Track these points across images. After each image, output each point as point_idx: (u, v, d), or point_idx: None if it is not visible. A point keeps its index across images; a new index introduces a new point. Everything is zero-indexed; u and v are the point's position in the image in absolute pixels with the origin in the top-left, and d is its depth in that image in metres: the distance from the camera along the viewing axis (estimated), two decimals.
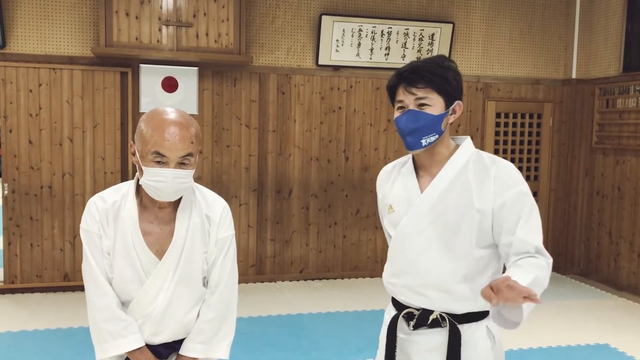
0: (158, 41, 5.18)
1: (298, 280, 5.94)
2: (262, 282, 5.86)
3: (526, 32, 6.33)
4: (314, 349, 4.17)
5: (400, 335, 1.88)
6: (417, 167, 1.89)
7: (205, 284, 1.95)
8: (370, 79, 5.96)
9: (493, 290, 1.48)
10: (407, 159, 1.95)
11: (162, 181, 1.74)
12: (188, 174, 1.78)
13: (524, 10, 6.30)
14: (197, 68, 5.49)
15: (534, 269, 1.65)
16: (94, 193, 5.19)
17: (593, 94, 6.22)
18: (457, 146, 1.86)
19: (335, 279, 6.02)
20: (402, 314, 1.87)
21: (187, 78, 5.48)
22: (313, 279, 5.99)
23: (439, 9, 6.03)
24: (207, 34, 5.27)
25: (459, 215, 1.76)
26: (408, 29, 5.84)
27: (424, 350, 1.83)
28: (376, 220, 6.09)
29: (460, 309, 1.79)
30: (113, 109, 5.34)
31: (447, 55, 5.95)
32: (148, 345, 1.89)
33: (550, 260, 1.71)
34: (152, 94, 5.37)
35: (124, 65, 5.34)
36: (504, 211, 1.73)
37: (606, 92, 6.06)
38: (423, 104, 1.76)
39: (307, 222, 5.95)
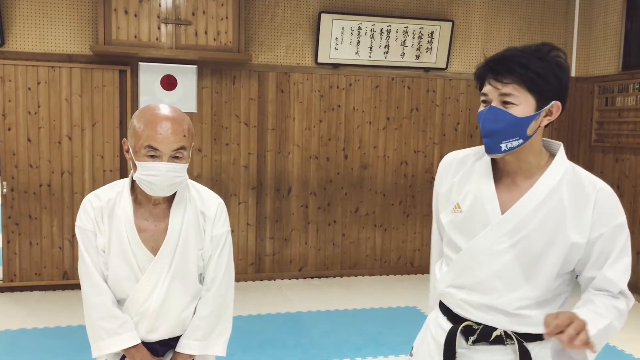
0: (157, 39, 5.18)
1: (297, 279, 5.94)
2: (261, 280, 5.86)
3: (525, 30, 6.32)
4: (313, 347, 4.17)
5: (457, 349, 1.67)
6: (496, 168, 1.63)
7: (201, 281, 1.95)
8: (369, 77, 5.96)
9: (554, 324, 1.40)
10: (484, 152, 1.65)
11: (155, 175, 1.74)
12: (182, 167, 1.78)
13: (523, 9, 6.29)
14: (196, 66, 5.48)
15: (610, 313, 1.52)
16: (90, 193, 5.18)
17: (592, 92, 6.22)
18: (551, 156, 1.61)
19: (334, 277, 6.02)
20: (461, 327, 1.66)
21: (186, 76, 5.47)
22: (312, 277, 5.99)
23: (438, 7, 6.03)
24: (206, 32, 5.26)
25: (545, 241, 1.54)
26: (407, 27, 5.83)
27: None
28: (375, 218, 6.10)
29: (525, 330, 1.59)
30: (112, 107, 5.33)
31: (446, 53, 5.95)
32: (144, 343, 1.89)
33: (632, 302, 1.58)
34: (151, 92, 5.36)
35: (123, 63, 5.33)
36: (598, 244, 1.54)
37: (605, 90, 6.06)
38: (507, 102, 1.51)
39: (306, 221, 5.95)
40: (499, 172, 1.63)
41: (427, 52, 5.94)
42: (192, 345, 1.91)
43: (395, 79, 6.03)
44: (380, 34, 5.79)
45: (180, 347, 1.91)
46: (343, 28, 5.68)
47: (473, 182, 1.65)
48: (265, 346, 4.15)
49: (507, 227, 1.56)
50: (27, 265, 5.29)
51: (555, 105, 1.55)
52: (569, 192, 1.55)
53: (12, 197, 5.22)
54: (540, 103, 1.52)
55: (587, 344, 1.42)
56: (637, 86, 5.67)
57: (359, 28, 5.72)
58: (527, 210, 1.55)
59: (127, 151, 1.82)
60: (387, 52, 5.87)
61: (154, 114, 1.76)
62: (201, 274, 1.95)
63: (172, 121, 1.75)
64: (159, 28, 5.18)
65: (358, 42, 5.77)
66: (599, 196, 1.54)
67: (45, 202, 5.28)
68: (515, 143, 1.52)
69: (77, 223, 1.89)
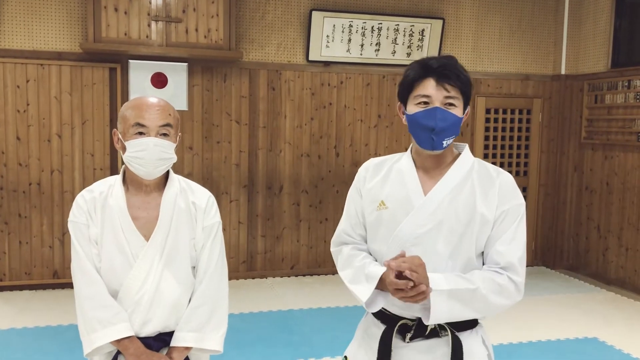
0: (147, 37, 5.15)
1: (289, 276, 5.94)
2: (253, 278, 5.86)
3: (516, 28, 6.35)
4: (305, 345, 4.17)
5: (394, 349, 1.76)
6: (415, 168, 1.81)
7: (194, 274, 1.96)
8: (360, 74, 5.96)
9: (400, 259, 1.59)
10: (400, 156, 1.86)
11: (143, 149, 1.81)
12: (169, 144, 1.85)
13: (514, 7, 6.32)
14: (186, 64, 5.46)
15: (483, 282, 1.65)
16: (83, 190, 5.16)
17: (582, 89, 6.26)
18: (458, 154, 1.81)
19: (326, 274, 6.03)
20: (397, 327, 1.75)
21: (177, 74, 5.45)
22: (304, 275, 5.99)
23: (429, 4, 6.04)
24: (196, 30, 5.24)
25: (465, 220, 1.71)
26: (398, 24, 5.84)
27: None
28: None
29: None
30: (102, 105, 5.30)
31: (437, 51, 5.97)
32: (139, 339, 1.88)
33: (519, 278, 1.69)
34: (141, 89, 5.33)
35: (113, 61, 5.30)
36: (498, 221, 1.72)
37: (595, 87, 6.10)
38: (451, 104, 1.69)
39: (297, 218, 5.95)
40: (417, 170, 1.80)
41: (418, 49, 5.95)
42: (187, 337, 1.89)
43: (386, 77, 6.03)
44: (371, 32, 5.80)
45: (175, 341, 1.90)
46: (334, 26, 5.68)
47: (396, 180, 1.80)
48: (257, 344, 4.15)
49: (429, 209, 1.72)
50: (17, 265, 5.26)
51: (469, 110, 1.78)
52: (478, 179, 1.75)
53: (1, 196, 5.18)
54: (465, 106, 1.74)
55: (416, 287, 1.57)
56: (626, 84, 5.71)
57: (350, 26, 5.72)
58: (445, 193, 1.72)
59: (117, 141, 1.88)
60: (378, 50, 5.87)
61: (140, 99, 1.88)
62: (194, 267, 1.96)
63: (157, 103, 1.87)
64: (149, 25, 5.15)
65: (349, 40, 5.77)
66: (502, 179, 1.76)
67: (35, 201, 5.24)
68: (451, 140, 1.73)
69: (69, 218, 1.93)
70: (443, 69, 1.68)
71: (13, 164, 5.18)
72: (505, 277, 1.68)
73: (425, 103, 1.69)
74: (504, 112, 6.43)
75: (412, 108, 1.72)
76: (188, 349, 1.91)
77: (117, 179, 1.94)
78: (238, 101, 5.68)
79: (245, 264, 5.85)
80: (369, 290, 1.72)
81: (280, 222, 5.90)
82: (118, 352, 1.87)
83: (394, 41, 5.88)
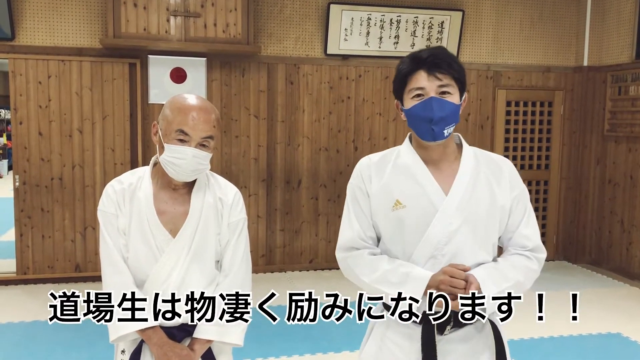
0: (166, 32, 5.18)
1: (308, 270, 5.95)
2: (272, 272, 5.88)
3: (537, 19, 6.25)
4: (323, 339, 4.18)
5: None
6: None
7: (218, 268, 1.98)
8: (379, 68, 5.92)
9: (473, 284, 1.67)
10: (397, 151, 1.82)
11: (182, 158, 1.83)
12: (206, 156, 1.89)
13: None
14: (205, 59, 5.48)
15: (519, 273, 1.74)
16: (103, 184, 5.21)
17: (605, 81, 6.15)
18: (458, 142, 1.84)
19: None
20: (434, 322, 1.72)
21: (196, 69, 5.47)
22: (323, 269, 6.00)
23: None
24: (215, 24, 5.25)
25: (487, 211, 1.75)
26: (417, 17, 5.78)
27: (465, 355, 1.76)
28: None
29: None
30: (122, 100, 5.35)
31: (457, 43, 5.91)
32: (162, 329, 1.90)
33: (543, 255, 1.80)
34: (160, 85, 5.37)
35: (133, 56, 5.34)
36: (514, 205, 1.78)
37: (618, 79, 5.99)
38: (445, 92, 1.69)
39: (316, 212, 5.95)
40: (425, 164, 1.78)
41: (437, 42, 5.89)
42: (210, 330, 1.92)
43: None
44: (390, 24, 5.75)
45: (198, 333, 1.92)
46: (352, 19, 5.65)
47: (406, 177, 1.77)
48: (275, 338, 4.17)
49: (453, 206, 1.72)
50: (40, 258, 5.34)
51: (465, 96, 1.78)
52: (487, 168, 1.79)
53: (24, 191, 5.26)
54: (461, 93, 1.75)
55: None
56: None
57: (369, 18, 5.68)
58: (465, 187, 1.74)
59: (156, 134, 1.89)
60: (397, 43, 5.83)
61: (186, 102, 1.87)
62: (218, 261, 1.98)
63: (205, 111, 1.87)
64: (168, 20, 5.17)
65: (368, 33, 5.73)
66: (507, 166, 1.83)
67: (57, 196, 5.31)
68: (452, 129, 1.73)
69: (99, 207, 1.95)
70: (433, 59, 1.69)
71: (35, 159, 5.25)
72: (534, 261, 1.78)
73: (420, 95, 1.70)
74: (525, 104, 6.35)
75: (409, 102, 1.73)
76: (210, 341, 1.93)
77: (145, 171, 1.96)
78: (256, 95, 5.69)
79: (264, 258, 5.87)
80: (420, 289, 1.70)
81: (298, 216, 5.91)
82: (143, 340, 1.90)
83: (413, 34, 5.83)
